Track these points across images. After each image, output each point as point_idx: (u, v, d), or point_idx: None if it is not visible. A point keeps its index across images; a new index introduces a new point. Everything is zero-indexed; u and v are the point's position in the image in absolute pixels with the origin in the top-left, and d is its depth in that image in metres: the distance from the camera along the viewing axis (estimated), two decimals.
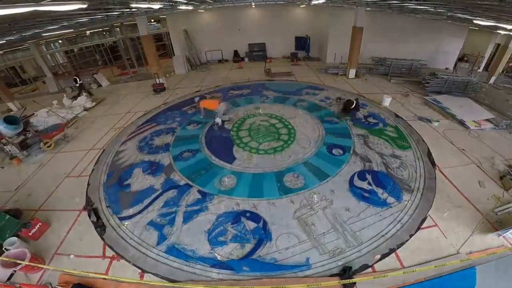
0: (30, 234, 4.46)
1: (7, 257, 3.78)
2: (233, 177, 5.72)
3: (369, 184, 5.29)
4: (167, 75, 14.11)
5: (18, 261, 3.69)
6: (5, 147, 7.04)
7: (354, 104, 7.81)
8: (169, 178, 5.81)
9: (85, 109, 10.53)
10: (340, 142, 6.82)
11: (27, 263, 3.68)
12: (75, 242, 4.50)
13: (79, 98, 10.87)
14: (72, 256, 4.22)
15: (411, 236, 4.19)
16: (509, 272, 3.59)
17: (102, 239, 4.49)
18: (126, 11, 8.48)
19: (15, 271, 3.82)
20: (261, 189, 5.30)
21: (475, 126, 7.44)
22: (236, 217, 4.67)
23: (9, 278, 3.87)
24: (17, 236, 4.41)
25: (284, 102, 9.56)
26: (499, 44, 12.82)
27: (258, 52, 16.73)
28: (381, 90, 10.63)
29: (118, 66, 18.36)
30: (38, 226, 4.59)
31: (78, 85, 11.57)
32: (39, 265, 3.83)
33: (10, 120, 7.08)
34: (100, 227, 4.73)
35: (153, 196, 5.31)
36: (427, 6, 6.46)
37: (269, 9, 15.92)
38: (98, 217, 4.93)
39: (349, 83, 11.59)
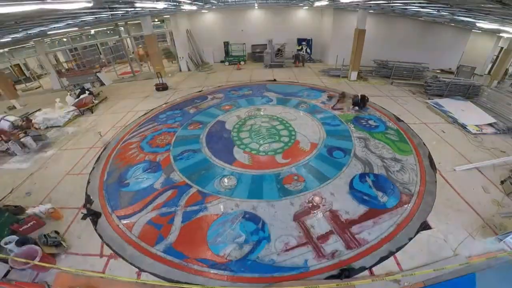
0: (20, 229, 4.51)
1: (17, 255, 3.73)
2: (233, 178, 5.72)
3: (369, 187, 5.27)
4: (169, 75, 14.17)
5: (29, 261, 3.61)
6: (5, 144, 7.09)
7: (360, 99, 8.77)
8: (169, 177, 5.82)
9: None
10: (340, 144, 6.81)
11: (37, 263, 3.61)
12: (73, 240, 4.50)
13: (81, 96, 10.91)
14: (63, 256, 4.20)
15: (410, 239, 4.17)
16: (509, 278, 3.55)
17: (100, 237, 4.49)
18: (131, 11, 8.55)
19: (11, 267, 3.80)
20: (260, 191, 5.29)
21: (477, 130, 7.40)
22: (235, 217, 4.66)
23: (5, 275, 3.84)
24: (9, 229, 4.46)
25: (285, 103, 9.57)
26: (502, 48, 12.76)
27: (260, 53, 16.77)
28: (382, 93, 10.62)
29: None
30: (31, 223, 4.61)
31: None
32: (49, 265, 3.75)
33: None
34: (92, 214, 4.82)
35: (153, 195, 5.31)
36: (430, 9, 6.46)
37: (272, 10, 15.98)
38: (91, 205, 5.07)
39: (351, 85, 11.58)
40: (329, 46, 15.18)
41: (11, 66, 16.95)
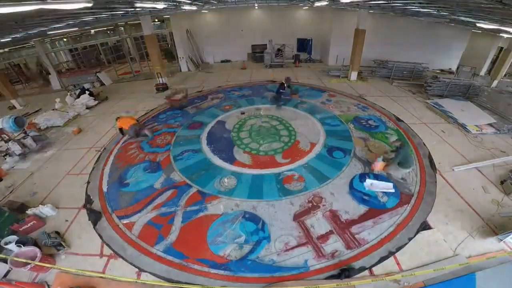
0: (21, 229, 4.52)
1: (18, 256, 3.72)
2: (233, 177, 5.72)
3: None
4: (169, 75, 14.16)
5: (29, 261, 3.59)
6: (6, 143, 7.08)
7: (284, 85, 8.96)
8: (169, 177, 5.82)
9: (88, 108, 10.60)
10: (340, 144, 6.80)
11: (37, 263, 3.61)
12: (74, 240, 4.51)
13: (81, 96, 10.93)
14: (63, 256, 4.20)
15: (410, 239, 4.17)
16: (509, 278, 3.55)
17: (100, 236, 4.49)
18: (131, 11, 8.55)
19: (11, 268, 3.80)
20: (260, 191, 5.29)
21: (477, 131, 7.39)
22: (235, 218, 4.66)
23: (5, 275, 3.85)
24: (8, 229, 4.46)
25: (285, 103, 9.56)
26: (501, 48, 12.74)
27: (261, 54, 16.76)
28: (382, 93, 10.61)
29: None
30: (31, 223, 4.62)
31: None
32: (49, 265, 3.75)
33: (18, 122, 7.12)
34: (93, 214, 4.84)
35: (153, 195, 5.31)
36: (430, 9, 6.46)
37: (271, 10, 15.96)
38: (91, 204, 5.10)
39: (351, 86, 11.58)
40: (329, 46, 15.17)
41: (11, 66, 16.95)
